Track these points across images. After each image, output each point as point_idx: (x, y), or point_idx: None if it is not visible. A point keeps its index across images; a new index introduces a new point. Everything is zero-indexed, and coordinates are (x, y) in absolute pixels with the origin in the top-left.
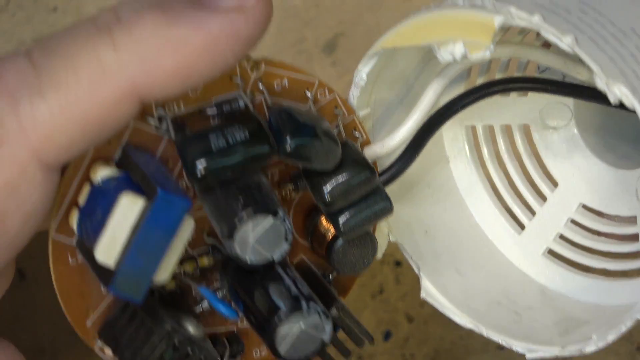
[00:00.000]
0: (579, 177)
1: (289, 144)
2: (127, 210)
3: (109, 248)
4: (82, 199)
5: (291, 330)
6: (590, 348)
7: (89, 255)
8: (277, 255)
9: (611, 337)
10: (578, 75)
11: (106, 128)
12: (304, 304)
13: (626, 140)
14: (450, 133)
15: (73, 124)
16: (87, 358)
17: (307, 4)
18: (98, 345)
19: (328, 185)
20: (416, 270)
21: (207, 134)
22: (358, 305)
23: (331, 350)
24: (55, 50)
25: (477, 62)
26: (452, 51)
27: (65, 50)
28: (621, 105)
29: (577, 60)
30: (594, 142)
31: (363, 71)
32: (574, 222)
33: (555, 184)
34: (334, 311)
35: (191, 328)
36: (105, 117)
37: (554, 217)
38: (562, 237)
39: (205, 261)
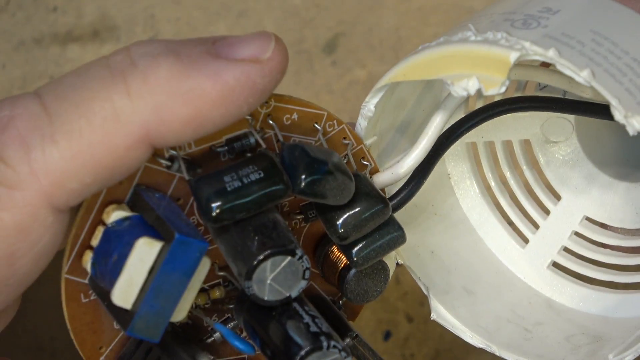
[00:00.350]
0: (582, 190)
1: (304, 181)
2: (144, 254)
3: (126, 292)
4: (95, 241)
5: None
6: None
7: (103, 294)
8: (294, 293)
9: (629, 357)
10: (582, 94)
11: (118, 173)
12: (324, 341)
13: (629, 152)
14: (451, 151)
15: (85, 170)
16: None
17: (307, 4)
18: None
19: (342, 220)
20: (425, 292)
21: (222, 174)
22: None
23: None
24: (68, 95)
25: (490, 95)
26: (467, 87)
27: (78, 96)
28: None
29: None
30: (596, 154)
31: (371, 103)
32: (578, 234)
33: (558, 197)
34: (348, 341)
35: None
36: (117, 162)
37: (557, 230)
38: (566, 249)
39: (216, 293)
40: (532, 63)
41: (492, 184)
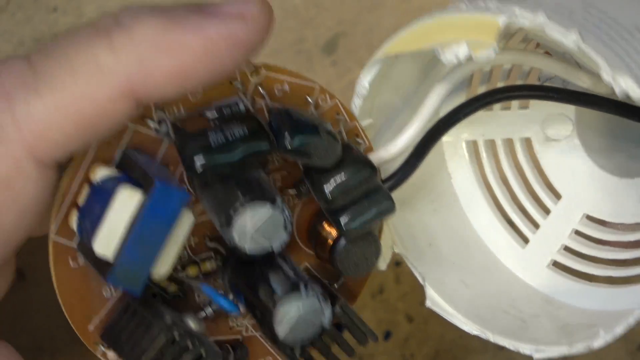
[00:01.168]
0: (582, 188)
1: (288, 139)
2: (125, 202)
3: (107, 240)
4: (82, 199)
5: (289, 312)
6: (598, 343)
7: (90, 254)
8: (276, 245)
9: (619, 329)
10: (579, 82)
11: (101, 126)
12: (302, 287)
13: (628, 149)
14: (452, 149)
15: (68, 122)
16: (86, 358)
17: (307, 4)
18: (100, 349)
19: (329, 183)
20: (421, 281)
21: (207, 131)
22: (358, 305)
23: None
24: (54, 52)
25: (481, 62)
26: (457, 52)
27: (63, 52)
28: (624, 109)
29: (578, 66)
30: (596, 152)
31: (365, 80)
32: (578, 232)
33: (558, 196)
34: (337, 309)
35: (192, 323)
36: (100, 115)
37: (558, 229)
38: (566, 248)
39: (207, 266)
40: (530, 48)
41: (493, 183)
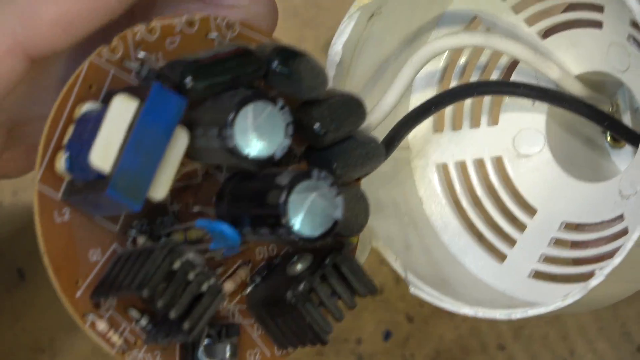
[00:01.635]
0: (558, 199)
1: (277, 58)
2: (122, 110)
3: (104, 151)
4: (67, 137)
5: (303, 199)
6: (596, 281)
7: (84, 187)
8: (278, 152)
9: (617, 259)
10: (549, 71)
11: None
12: (314, 173)
13: (599, 153)
14: (421, 173)
15: None
16: (87, 357)
17: (307, 3)
18: (89, 319)
19: (318, 111)
20: (402, 274)
21: (197, 53)
22: (358, 305)
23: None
24: None
25: None
26: None
27: None
28: (590, 110)
29: (548, 53)
30: (569, 163)
31: (338, 43)
32: (557, 240)
33: (533, 210)
34: (340, 255)
35: (192, 255)
36: None
37: (535, 241)
38: (546, 258)
39: (193, 235)
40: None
41: (466, 205)
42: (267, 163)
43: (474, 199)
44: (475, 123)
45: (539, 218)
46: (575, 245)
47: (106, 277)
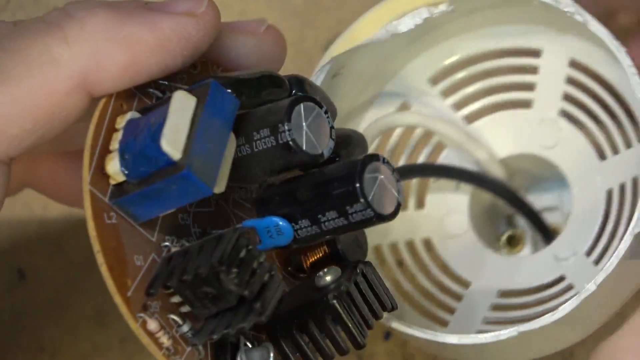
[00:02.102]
0: (489, 273)
1: (297, 86)
2: (184, 103)
3: (173, 138)
4: (115, 143)
5: (373, 179)
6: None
7: (140, 185)
8: (326, 151)
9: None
10: (476, 152)
11: (57, 120)
12: (380, 156)
13: (523, 247)
14: None
15: (25, 115)
16: (87, 357)
17: (307, 3)
18: (140, 319)
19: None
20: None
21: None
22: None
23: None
24: (5, 47)
25: (435, 18)
26: (415, 16)
27: (15, 46)
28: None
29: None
30: (492, 239)
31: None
32: (496, 306)
33: (467, 284)
34: (367, 268)
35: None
36: (56, 108)
37: (475, 308)
38: (488, 321)
39: None
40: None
41: (403, 282)
42: (315, 161)
43: (409, 277)
44: (403, 206)
45: (474, 288)
46: (516, 307)
47: (161, 271)
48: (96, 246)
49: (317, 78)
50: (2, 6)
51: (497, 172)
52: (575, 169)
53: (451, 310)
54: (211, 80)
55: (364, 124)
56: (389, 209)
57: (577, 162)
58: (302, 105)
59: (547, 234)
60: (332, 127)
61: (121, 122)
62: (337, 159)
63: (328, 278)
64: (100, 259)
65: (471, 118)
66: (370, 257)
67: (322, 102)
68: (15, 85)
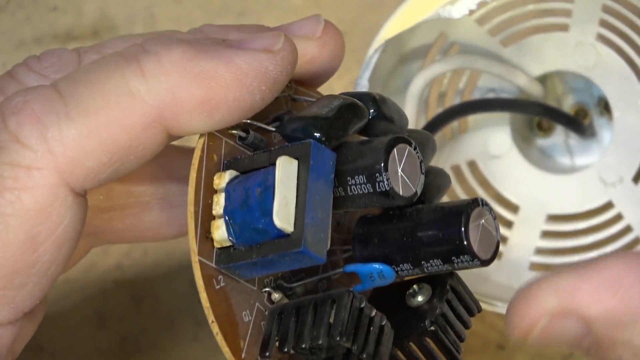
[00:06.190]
0: (537, 194)
1: (375, 107)
2: (288, 170)
3: (284, 212)
4: (218, 207)
5: (476, 226)
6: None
7: (248, 254)
8: (419, 188)
9: None
10: (516, 79)
11: (133, 154)
12: (480, 200)
13: (570, 147)
14: None
15: (101, 148)
16: (87, 357)
17: (307, 3)
18: None
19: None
20: None
21: (308, 107)
22: None
23: None
24: (82, 79)
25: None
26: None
27: (92, 77)
28: (550, 111)
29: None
30: (541, 160)
31: (364, 78)
32: (547, 233)
33: (516, 208)
34: (453, 279)
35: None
36: (133, 142)
37: (526, 236)
38: (540, 250)
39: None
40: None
41: None
42: (411, 202)
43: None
44: (447, 132)
45: (523, 214)
46: (565, 235)
47: (272, 331)
48: (210, 317)
49: (371, 59)
50: (2, 6)
51: (536, 92)
52: (615, 91)
53: (503, 240)
54: (311, 140)
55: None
56: (491, 251)
57: (617, 84)
58: (395, 150)
59: (583, 131)
60: (421, 162)
61: (219, 182)
62: None
63: (420, 299)
64: (215, 328)
65: (506, 42)
66: None
67: (396, 117)
68: (91, 118)
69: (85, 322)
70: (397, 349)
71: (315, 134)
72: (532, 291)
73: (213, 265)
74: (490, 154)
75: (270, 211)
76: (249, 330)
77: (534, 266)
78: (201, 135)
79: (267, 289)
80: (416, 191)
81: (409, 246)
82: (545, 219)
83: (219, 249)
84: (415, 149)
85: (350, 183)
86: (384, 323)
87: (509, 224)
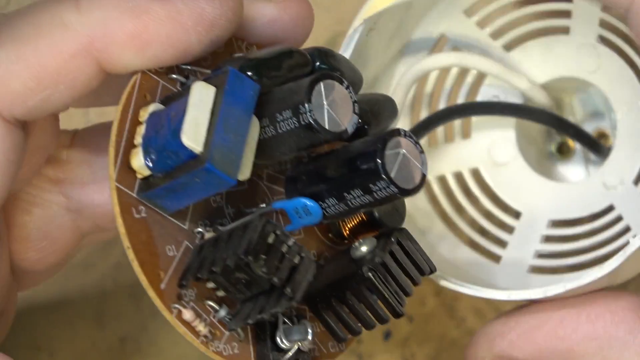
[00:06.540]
0: (539, 202)
1: (320, 59)
2: (203, 95)
3: (194, 132)
4: (139, 137)
5: (395, 154)
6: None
7: (165, 179)
8: (350, 127)
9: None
10: (518, 82)
11: (62, 84)
12: (401, 131)
13: (573, 156)
14: None
15: (28, 72)
16: (85, 356)
17: None
18: (175, 309)
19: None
20: None
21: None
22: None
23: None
24: (19, 12)
25: None
26: None
27: (28, 12)
28: (554, 120)
29: (515, 65)
30: (545, 168)
31: (346, 55)
32: (548, 237)
33: (517, 214)
34: (401, 236)
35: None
36: (61, 69)
37: (527, 240)
38: (540, 255)
39: None
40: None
41: (452, 216)
42: (340, 138)
43: (459, 210)
44: (449, 138)
45: (524, 219)
46: (567, 239)
47: (192, 262)
48: (125, 242)
49: (352, 39)
50: (2, 6)
51: (541, 99)
52: (618, 94)
53: (503, 244)
54: (229, 68)
55: (398, 74)
56: (413, 182)
57: (619, 87)
58: (322, 83)
59: (598, 148)
60: (355, 102)
61: (144, 115)
62: (366, 127)
63: (363, 249)
64: (130, 255)
65: (508, 46)
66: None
67: (347, 72)
68: (22, 45)
69: (85, 321)
70: (337, 300)
71: (247, 71)
72: (474, 339)
73: (134, 194)
74: (495, 161)
75: (179, 131)
76: (173, 265)
77: (534, 269)
78: (135, 73)
79: (199, 229)
80: (346, 129)
81: (332, 178)
82: (547, 224)
83: (140, 179)
84: (347, 88)
85: (278, 119)
86: (303, 254)
87: (509, 229)
